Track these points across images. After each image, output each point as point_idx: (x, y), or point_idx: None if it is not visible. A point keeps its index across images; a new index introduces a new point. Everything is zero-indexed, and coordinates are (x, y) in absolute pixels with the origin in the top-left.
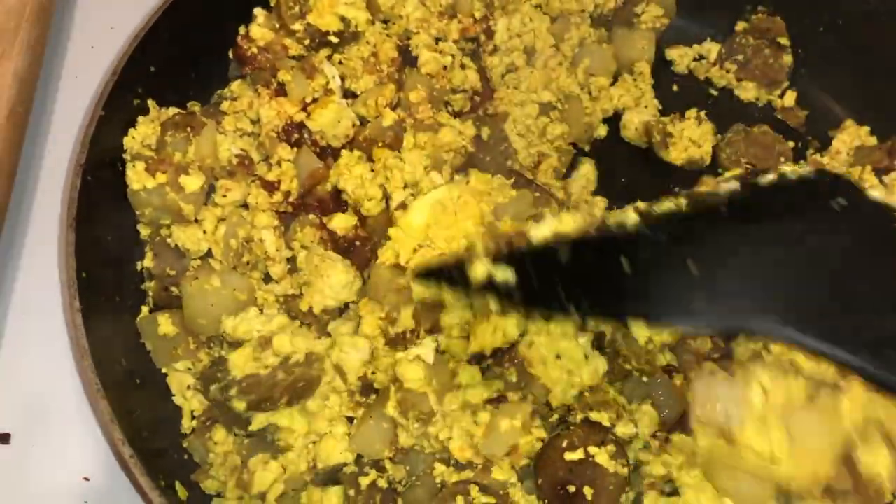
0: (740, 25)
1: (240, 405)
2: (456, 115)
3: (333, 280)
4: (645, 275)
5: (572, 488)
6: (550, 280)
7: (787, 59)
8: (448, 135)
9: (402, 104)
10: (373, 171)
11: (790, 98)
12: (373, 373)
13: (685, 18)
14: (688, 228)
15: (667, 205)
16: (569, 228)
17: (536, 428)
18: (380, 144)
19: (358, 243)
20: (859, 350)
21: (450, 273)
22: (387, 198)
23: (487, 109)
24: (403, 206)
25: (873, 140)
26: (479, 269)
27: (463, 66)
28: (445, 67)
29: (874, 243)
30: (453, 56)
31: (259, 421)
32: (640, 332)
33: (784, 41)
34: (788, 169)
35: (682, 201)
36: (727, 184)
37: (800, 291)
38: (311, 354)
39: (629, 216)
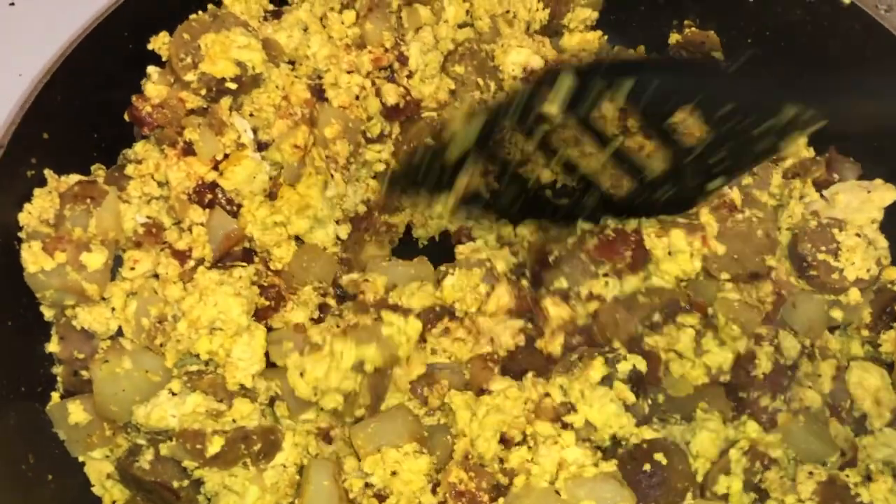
0: (673, 38)
1: (213, 448)
2: (372, 140)
3: (237, 354)
4: None
5: None
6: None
7: None
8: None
9: (317, 141)
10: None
11: None
12: None
13: (614, 31)
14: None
15: None
16: None
17: None
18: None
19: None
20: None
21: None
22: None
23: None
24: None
25: (811, 152)
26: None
27: (378, 93)
28: (357, 97)
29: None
30: (364, 87)
31: (213, 482)
32: None
33: (718, 55)
34: None
35: None
36: None
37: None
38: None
39: None
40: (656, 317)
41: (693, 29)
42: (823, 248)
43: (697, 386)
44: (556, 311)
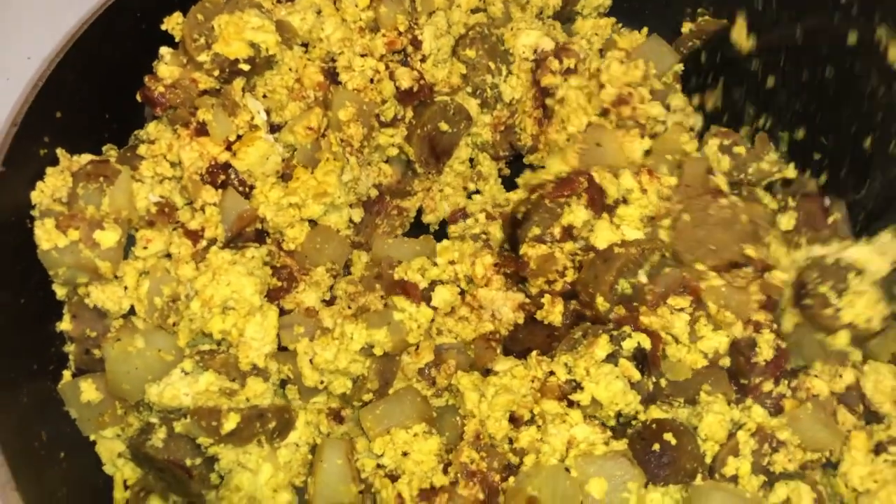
0: (686, 27)
1: (229, 425)
2: (386, 124)
3: (250, 334)
4: None
5: None
6: None
7: None
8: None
9: (331, 124)
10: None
11: None
12: None
13: (627, 19)
14: None
15: None
16: None
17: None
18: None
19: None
20: None
21: None
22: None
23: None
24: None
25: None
26: None
27: (391, 77)
28: (372, 80)
29: None
30: (378, 70)
31: (228, 459)
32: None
33: None
34: None
35: None
36: None
37: None
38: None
39: None
40: (641, 276)
41: (707, 17)
42: (829, 284)
43: (698, 369)
44: (534, 251)
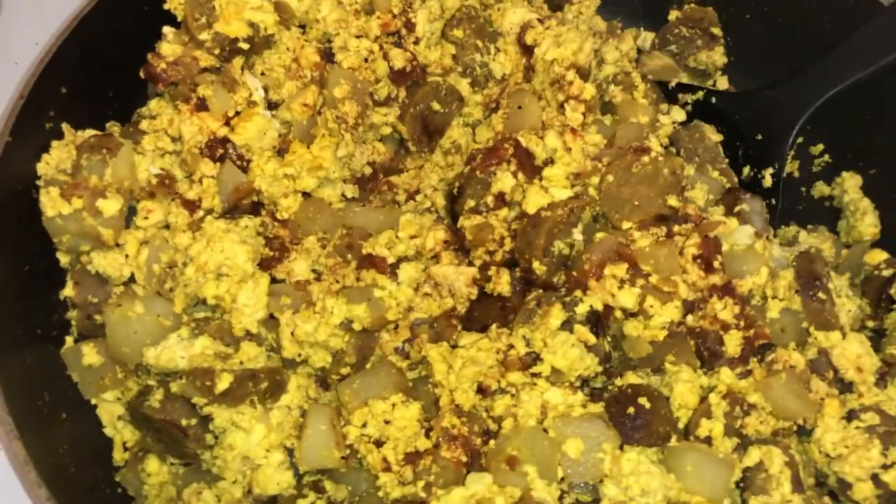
0: (673, 14)
1: (222, 385)
2: (380, 103)
3: (242, 300)
4: None
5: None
6: None
7: (720, 49)
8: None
9: (326, 102)
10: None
11: (721, 85)
12: None
13: (616, 5)
14: None
15: None
16: None
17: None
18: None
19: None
20: None
21: None
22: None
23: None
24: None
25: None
26: None
27: (385, 57)
28: (367, 60)
29: None
30: (373, 52)
31: (222, 418)
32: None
33: (717, 31)
34: None
35: None
36: None
37: None
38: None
39: None
40: (577, 235)
41: (692, 5)
42: (830, 286)
43: (658, 342)
44: (469, 222)
